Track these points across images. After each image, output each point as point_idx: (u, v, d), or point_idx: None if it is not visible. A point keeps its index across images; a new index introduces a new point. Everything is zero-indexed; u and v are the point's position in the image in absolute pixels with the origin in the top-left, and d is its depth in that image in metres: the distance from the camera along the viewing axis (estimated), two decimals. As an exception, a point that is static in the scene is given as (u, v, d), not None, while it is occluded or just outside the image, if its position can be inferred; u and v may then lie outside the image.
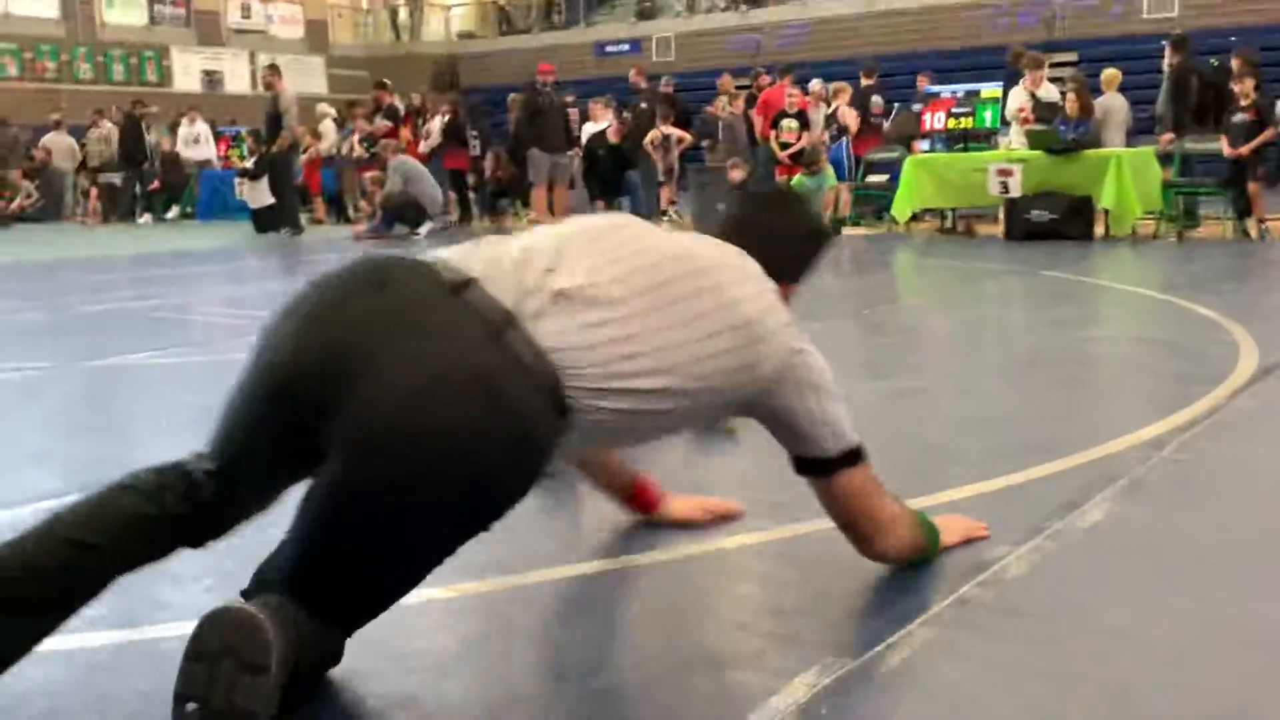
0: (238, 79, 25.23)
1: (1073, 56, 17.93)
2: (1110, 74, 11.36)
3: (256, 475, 1.72)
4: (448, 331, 1.61)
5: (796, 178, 11.03)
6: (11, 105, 19.50)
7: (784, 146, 12.05)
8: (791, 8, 22.89)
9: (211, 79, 24.89)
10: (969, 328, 5.80)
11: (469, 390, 1.56)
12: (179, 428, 3.72)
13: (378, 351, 1.57)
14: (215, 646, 1.48)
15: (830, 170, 11.04)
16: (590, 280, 1.73)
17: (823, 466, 2.02)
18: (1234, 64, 9.80)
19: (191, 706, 1.48)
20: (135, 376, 4.83)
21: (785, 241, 2.14)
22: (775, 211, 2.25)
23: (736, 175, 11.44)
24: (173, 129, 17.90)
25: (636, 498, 2.51)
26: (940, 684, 1.78)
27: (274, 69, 12.74)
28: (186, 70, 24.57)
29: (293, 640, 1.53)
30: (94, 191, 17.46)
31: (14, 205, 17.53)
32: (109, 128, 17.44)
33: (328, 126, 15.46)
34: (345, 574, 1.62)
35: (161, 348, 5.40)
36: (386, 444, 1.54)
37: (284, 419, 1.63)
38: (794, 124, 12.05)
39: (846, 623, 2.04)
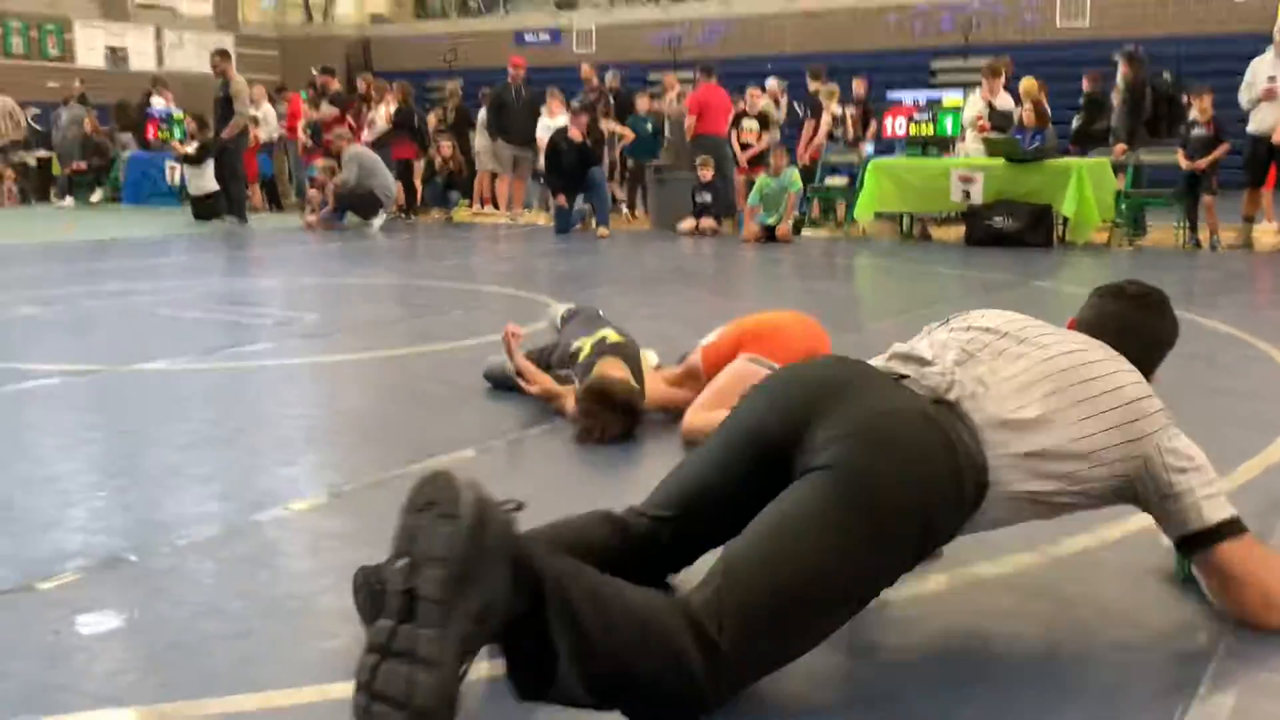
0: (142, 56, 24.35)
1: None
2: (1028, 82, 11.77)
3: (721, 509, 2.08)
4: (899, 394, 2.06)
5: (760, 178, 11.15)
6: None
7: (744, 147, 12.17)
8: (711, 4, 23.04)
9: (116, 55, 23.97)
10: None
11: (919, 423, 1.98)
12: (308, 437, 3.68)
13: (850, 395, 2.03)
14: None
15: (794, 173, 11.17)
16: (1000, 393, 2.08)
17: (1201, 540, 2.16)
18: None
19: None
20: (203, 382, 4.71)
21: (1157, 347, 2.47)
22: (1153, 317, 2.50)
23: (706, 174, 11.52)
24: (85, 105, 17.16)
25: None
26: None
27: (224, 54, 12.43)
28: (90, 45, 23.63)
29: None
30: (7, 172, 16.67)
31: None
32: (10, 103, 16.69)
33: (268, 111, 15.07)
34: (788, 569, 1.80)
35: (198, 353, 5.26)
36: (860, 447, 1.91)
37: (759, 455, 2.04)
38: (754, 125, 12.17)
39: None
